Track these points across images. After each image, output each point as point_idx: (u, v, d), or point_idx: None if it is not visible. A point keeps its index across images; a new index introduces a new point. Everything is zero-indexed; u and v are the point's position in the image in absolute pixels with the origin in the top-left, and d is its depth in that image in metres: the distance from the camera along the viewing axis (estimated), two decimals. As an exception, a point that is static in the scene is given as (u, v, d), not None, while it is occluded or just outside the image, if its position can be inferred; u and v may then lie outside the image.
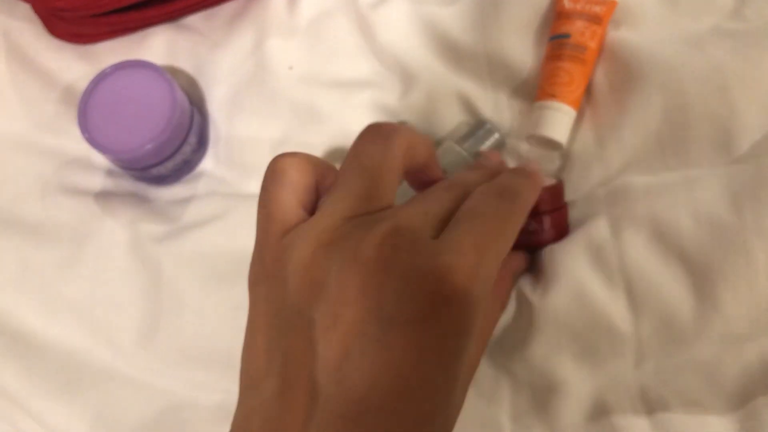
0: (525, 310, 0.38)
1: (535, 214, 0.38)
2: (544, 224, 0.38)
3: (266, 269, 0.26)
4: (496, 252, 0.25)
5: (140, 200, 0.45)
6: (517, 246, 0.37)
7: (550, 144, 0.42)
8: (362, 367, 0.22)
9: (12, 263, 0.43)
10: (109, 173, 0.45)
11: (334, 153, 0.44)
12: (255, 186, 0.43)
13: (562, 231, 0.39)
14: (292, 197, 0.27)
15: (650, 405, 0.35)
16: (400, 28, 0.46)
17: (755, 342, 0.34)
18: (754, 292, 0.34)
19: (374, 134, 0.27)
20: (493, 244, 0.25)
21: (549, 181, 0.40)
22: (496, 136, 0.42)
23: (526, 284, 0.38)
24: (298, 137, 0.45)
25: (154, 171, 0.43)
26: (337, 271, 0.23)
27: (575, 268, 0.37)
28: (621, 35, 0.42)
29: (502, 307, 0.37)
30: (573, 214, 0.40)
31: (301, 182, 0.27)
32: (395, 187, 0.27)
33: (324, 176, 0.28)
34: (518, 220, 0.27)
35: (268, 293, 0.25)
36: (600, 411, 0.36)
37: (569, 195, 0.41)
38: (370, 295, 0.23)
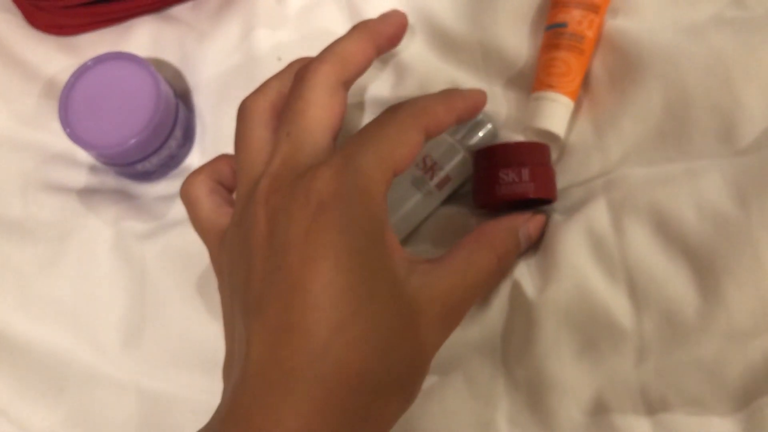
0: (522, 306, 0.37)
1: (513, 164, 0.38)
2: (522, 175, 0.37)
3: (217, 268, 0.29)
4: (374, 152, 0.25)
5: (124, 197, 0.43)
6: (499, 198, 0.38)
7: (548, 136, 0.41)
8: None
9: None
10: (93, 169, 0.44)
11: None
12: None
13: (545, 188, 0.38)
14: (210, 214, 0.29)
15: (651, 404, 0.34)
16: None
17: (760, 339, 0.33)
18: (759, 287, 0.33)
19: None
20: (366, 144, 0.25)
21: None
22: (489, 126, 0.41)
23: (523, 279, 0.37)
24: None
25: (139, 167, 0.42)
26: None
27: (575, 262, 0.36)
28: (619, 24, 0.42)
29: (499, 260, 0.33)
30: (571, 205, 0.39)
31: (209, 196, 0.30)
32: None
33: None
34: (404, 125, 0.28)
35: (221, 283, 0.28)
36: (599, 410, 0.35)
37: (567, 185, 0.40)
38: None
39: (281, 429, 0.22)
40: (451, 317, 0.30)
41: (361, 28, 0.33)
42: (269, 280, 0.24)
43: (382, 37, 0.34)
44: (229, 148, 0.43)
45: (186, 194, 0.28)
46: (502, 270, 0.34)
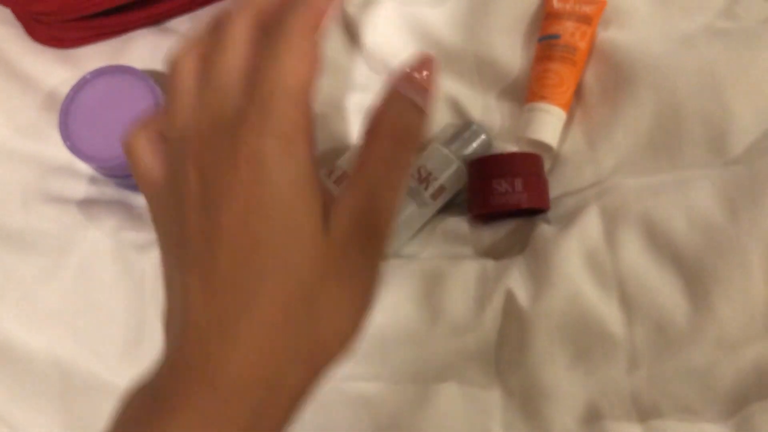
0: (515, 315, 0.37)
1: (507, 175, 0.38)
2: (515, 186, 0.38)
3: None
4: (281, 89, 0.24)
5: (124, 208, 0.44)
6: (493, 208, 0.39)
7: (541, 146, 0.41)
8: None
9: None
10: (93, 180, 0.45)
11: (322, 157, 0.44)
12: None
13: (538, 198, 0.39)
14: (148, 166, 0.27)
15: (643, 412, 0.35)
16: (388, 30, 0.45)
17: (749, 347, 0.34)
18: (748, 295, 0.34)
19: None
20: (273, 83, 0.24)
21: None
22: (483, 137, 0.42)
23: (516, 288, 0.38)
24: None
25: (138, 177, 0.42)
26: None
27: (568, 272, 0.37)
28: (611, 35, 0.42)
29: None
30: (564, 214, 0.40)
31: (149, 147, 0.27)
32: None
33: None
34: (290, 44, 0.24)
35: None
36: (592, 417, 0.36)
37: (560, 195, 0.41)
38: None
39: (225, 375, 0.23)
40: (370, 233, 0.26)
41: None
42: (203, 236, 0.24)
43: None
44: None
45: (126, 146, 0.27)
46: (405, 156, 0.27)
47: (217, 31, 0.26)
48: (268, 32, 0.25)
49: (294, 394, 0.25)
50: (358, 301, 0.26)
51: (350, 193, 0.25)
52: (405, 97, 0.27)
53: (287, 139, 0.23)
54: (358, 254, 0.25)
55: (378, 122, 0.26)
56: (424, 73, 0.28)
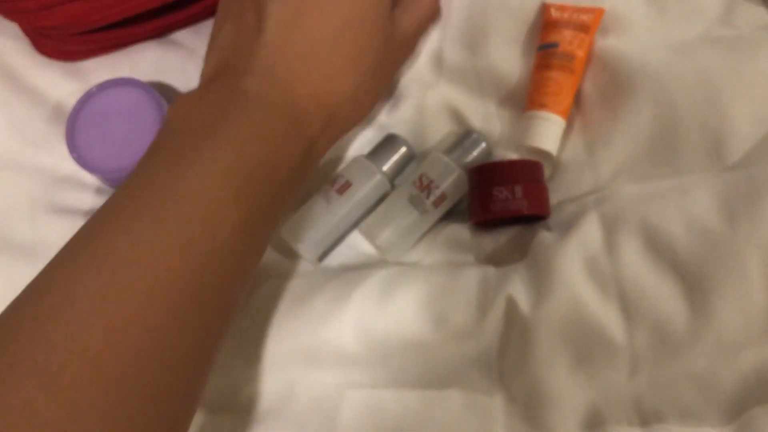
0: (517, 321, 0.38)
1: (507, 182, 0.39)
2: (515, 193, 0.38)
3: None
4: None
5: (130, 218, 0.44)
6: (494, 215, 0.39)
7: (540, 154, 0.42)
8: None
9: (0, 283, 0.43)
10: (99, 191, 0.45)
11: (325, 167, 0.44)
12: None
13: (538, 204, 0.39)
14: None
15: (645, 416, 0.35)
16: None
17: (750, 351, 0.34)
18: (747, 301, 0.34)
19: None
20: None
21: None
22: (483, 145, 0.42)
23: (518, 294, 0.38)
24: None
25: (144, 188, 0.43)
26: None
27: (569, 278, 0.37)
28: (609, 43, 0.42)
29: None
30: (564, 220, 0.40)
31: None
32: None
33: None
34: None
35: None
36: (595, 423, 0.36)
37: (560, 201, 0.41)
38: None
39: (303, 84, 0.34)
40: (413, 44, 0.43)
41: None
42: None
43: None
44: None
45: None
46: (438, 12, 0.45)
47: None
48: None
49: (339, 133, 0.37)
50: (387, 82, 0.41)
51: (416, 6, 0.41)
52: None
53: None
54: (405, 52, 0.41)
55: None
56: None
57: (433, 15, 0.44)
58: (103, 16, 0.43)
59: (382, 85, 0.40)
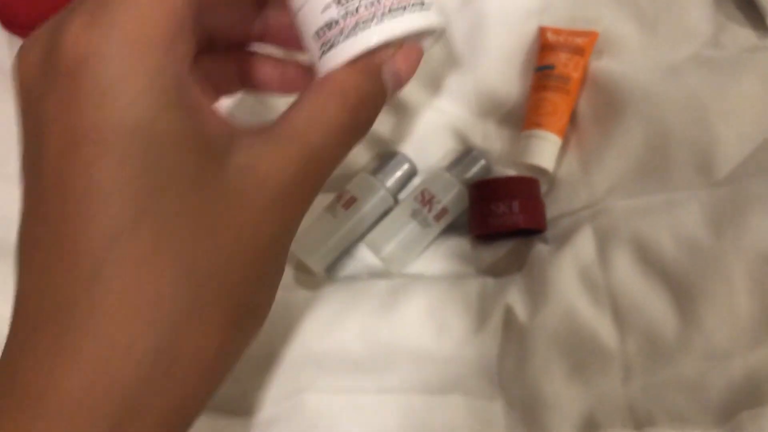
0: (515, 329, 0.39)
1: (505, 197, 0.40)
2: (513, 208, 0.40)
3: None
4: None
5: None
6: (492, 229, 0.41)
7: (537, 171, 0.43)
8: None
9: (3, 287, 0.44)
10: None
11: (332, 183, 0.46)
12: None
13: (534, 219, 0.41)
14: None
15: (639, 421, 0.36)
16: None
17: (738, 358, 0.35)
18: (733, 309, 0.35)
19: None
20: None
21: None
22: (482, 162, 0.44)
23: (515, 304, 0.40)
24: None
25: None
26: None
27: (563, 289, 0.38)
28: (603, 65, 0.44)
29: (352, 112, 0.22)
30: (560, 234, 0.42)
31: None
32: None
33: None
34: None
35: None
36: (591, 427, 0.37)
37: (556, 216, 0.43)
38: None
39: (59, 392, 0.16)
40: (293, 201, 0.21)
41: None
42: (29, 176, 0.18)
43: None
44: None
45: None
46: (358, 126, 0.23)
47: None
48: None
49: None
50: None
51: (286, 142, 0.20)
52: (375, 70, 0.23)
53: (140, 42, 0.17)
54: (274, 225, 0.20)
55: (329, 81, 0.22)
56: (406, 61, 0.24)
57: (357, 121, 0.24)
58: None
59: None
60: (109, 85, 0.16)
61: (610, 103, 0.43)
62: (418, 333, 0.40)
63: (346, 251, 0.44)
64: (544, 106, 0.43)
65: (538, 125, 0.43)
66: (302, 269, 0.44)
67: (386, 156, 0.45)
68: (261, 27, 0.25)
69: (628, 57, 0.44)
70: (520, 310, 0.39)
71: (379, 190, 0.44)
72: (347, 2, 0.21)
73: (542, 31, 0.45)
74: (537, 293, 0.39)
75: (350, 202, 0.43)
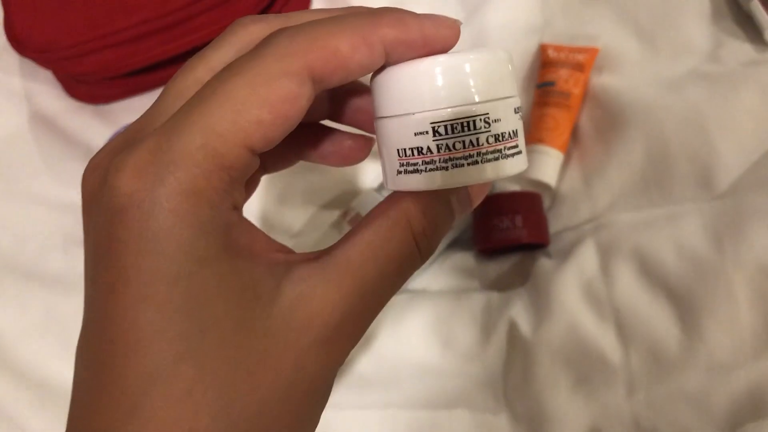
0: (519, 344, 0.40)
1: (508, 212, 0.41)
2: (516, 222, 0.41)
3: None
4: (202, 125, 0.17)
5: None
6: (497, 243, 0.41)
7: (540, 186, 0.44)
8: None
9: (37, 314, 0.45)
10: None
11: (338, 200, 0.47)
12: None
13: (537, 233, 0.42)
14: None
15: (644, 433, 0.37)
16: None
17: (740, 370, 0.36)
18: (735, 322, 0.36)
19: None
20: (195, 112, 0.18)
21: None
22: (487, 178, 0.45)
23: (519, 318, 0.40)
24: (300, 184, 0.47)
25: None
26: None
27: (567, 303, 0.39)
28: (603, 80, 0.45)
29: (418, 240, 0.21)
30: (563, 247, 0.42)
31: None
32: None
33: None
34: (267, 67, 0.18)
35: None
36: (596, 440, 0.38)
37: (559, 230, 0.43)
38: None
39: None
40: (341, 339, 0.20)
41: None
42: (87, 291, 0.19)
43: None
44: (254, 216, 0.46)
45: None
46: (420, 255, 0.21)
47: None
48: None
49: None
50: None
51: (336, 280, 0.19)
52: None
53: (184, 194, 0.17)
54: (320, 363, 0.19)
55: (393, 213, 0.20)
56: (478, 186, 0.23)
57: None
58: (132, 62, 0.46)
59: None
60: (155, 233, 0.17)
61: (610, 118, 0.43)
62: (423, 348, 0.41)
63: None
64: (545, 121, 0.44)
65: (540, 140, 0.44)
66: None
67: None
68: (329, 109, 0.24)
69: (628, 72, 0.45)
70: (524, 325, 0.40)
71: None
72: (446, 137, 0.19)
73: (543, 48, 0.46)
74: (541, 307, 0.40)
75: (355, 219, 0.44)
